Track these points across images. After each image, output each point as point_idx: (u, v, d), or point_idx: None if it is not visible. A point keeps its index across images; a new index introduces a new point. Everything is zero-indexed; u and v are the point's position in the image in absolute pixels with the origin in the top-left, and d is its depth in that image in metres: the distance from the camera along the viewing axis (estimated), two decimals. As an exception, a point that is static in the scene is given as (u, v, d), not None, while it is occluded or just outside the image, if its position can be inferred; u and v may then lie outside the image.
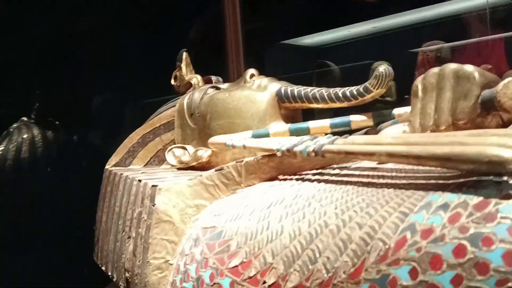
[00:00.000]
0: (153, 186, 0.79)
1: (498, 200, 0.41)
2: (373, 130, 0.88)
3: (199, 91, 1.08)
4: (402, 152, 0.50)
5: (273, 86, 0.99)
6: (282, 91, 0.97)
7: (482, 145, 0.44)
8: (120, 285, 0.88)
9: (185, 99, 1.09)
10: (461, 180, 0.46)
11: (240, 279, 0.57)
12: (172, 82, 1.22)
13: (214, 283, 0.61)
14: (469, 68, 0.56)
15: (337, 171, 0.66)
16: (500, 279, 0.37)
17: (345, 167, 0.66)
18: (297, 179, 0.69)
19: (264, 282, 0.54)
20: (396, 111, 0.86)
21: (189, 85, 1.19)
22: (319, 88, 0.94)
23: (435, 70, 0.60)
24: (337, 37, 2.36)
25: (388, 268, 0.43)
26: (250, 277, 0.56)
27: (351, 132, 0.93)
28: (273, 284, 0.53)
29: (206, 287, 0.62)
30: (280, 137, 0.89)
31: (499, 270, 0.37)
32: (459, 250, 0.40)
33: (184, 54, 1.21)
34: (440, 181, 0.48)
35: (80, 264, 1.39)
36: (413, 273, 0.42)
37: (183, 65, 1.20)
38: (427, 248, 0.42)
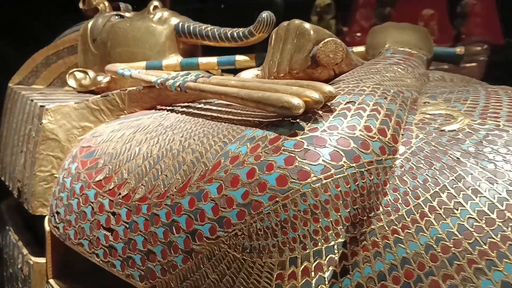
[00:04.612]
0: (41, 106, 0.85)
1: (287, 137, 0.52)
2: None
3: (103, 18, 1.11)
4: (233, 94, 0.60)
5: (173, 20, 1.05)
6: (180, 26, 1.03)
7: (285, 93, 0.54)
8: (14, 193, 0.96)
9: (89, 24, 1.12)
10: (272, 119, 0.57)
11: (102, 191, 0.67)
12: (80, 5, 1.24)
13: (83, 194, 0.71)
14: (306, 25, 0.66)
15: (201, 105, 0.75)
16: (272, 195, 0.49)
17: (209, 102, 0.75)
18: (168, 110, 0.78)
19: (120, 194, 0.65)
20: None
21: (96, 10, 1.21)
22: (213, 27, 1.01)
23: (285, 23, 0.69)
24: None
25: (204, 185, 0.55)
26: (109, 190, 0.66)
27: (236, 70, 1.03)
28: (125, 195, 0.64)
29: (77, 197, 0.72)
30: (170, 70, 0.97)
31: (272, 188, 0.49)
32: (251, 173, 0.51)
33: (93, -22, 1.22)
34: (259, 119, 0.59)
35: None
36: (219, 188, 0.53)
37: (91, -11, 1.21)
38: (231, 170, 0.53)
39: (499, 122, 0.52)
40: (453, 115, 0.54)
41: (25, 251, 0.90)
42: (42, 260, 0.85)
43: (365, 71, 0.65)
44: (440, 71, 0.85)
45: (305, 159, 0.49)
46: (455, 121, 0.53)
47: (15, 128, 0.99)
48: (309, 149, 0.50)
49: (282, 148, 0.51)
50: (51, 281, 0.81)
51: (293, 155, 0.50)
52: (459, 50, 0.88)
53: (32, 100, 0.92)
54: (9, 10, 1.70)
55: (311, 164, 0.49)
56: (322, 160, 0.49)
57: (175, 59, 1.01)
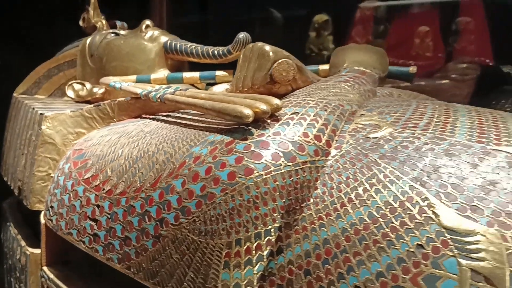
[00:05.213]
0: (40, 114, 0.97)
1: (239, 140, 0.63)
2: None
3: (100, 35, 1.23)
4: (200, 105, 0.71)
5: (163, 38, 1.17)
6: (168, 44, 1.15)
7: (240, 104, 0.65)
8: (15, 191, 1.07)
9: (87, 41, 1.24)
10: (230, 126, 0.68)
11: (89, 187, 0.78)
12: (81, 23, 1.36)
13: (73, 190, 0.82)
14: (267, 47, 0.77)
15: (179, 114, 0.86)
16: (223, 187, 0.60)
17: (186, 112, 0.86)
18: (151, 118, 0.90)
19: (104, 189, 0.76)
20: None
21: (95, 28, 1.33)
22: (197, 45, 1.12)
23: (251, 45, 0.80)
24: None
25: (172, 180, 0.66)
26: (95, 186, 0.77)
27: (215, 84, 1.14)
28: (108, 190, 0.75)
29: (68, 193, 0.83)
30: (158, 83, 1.09)
31: (224, 182, 0.60)
32: (208, 170, 0.62)
33: (92, -1, 1.34)
34: (221, 126, 0.70)
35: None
36: (183, 183, 0.64)
37: (90, 9, 1.34)
38: (193, 168, 0.64)
39: (415, 131, 0.62)
40: (380, 125, 0.65)
41: (23, 243, 1.01)
42: (38, 250, 0.96)
43: (315, 87, 0.76)
44: (390, 88, 0.95)
45: (251, 159, 0.60)
46: (380, 130, 0.64)
47: (18, 133, 1.10)
48: (255, 151, 0.61)
49: (234, 150, 0.62)
50: (45, 268, 0.92)
51: (242, 155, 0.61)
52: (412, 69, 0.99)
53: (33, 108, 1.03)
54: (16, 22, 1.83)
55: (255, 163, 0.59)
56: (265, 159, 0.60)
57: (162, 73, 1.13)
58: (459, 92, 1.80)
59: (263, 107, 0.63)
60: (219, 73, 1.08)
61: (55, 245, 0.92)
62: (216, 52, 1.08)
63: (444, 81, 1.74)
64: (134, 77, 1.11)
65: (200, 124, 0.75)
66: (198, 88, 1.16)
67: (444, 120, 0.65)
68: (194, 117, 0.80)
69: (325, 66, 1.02)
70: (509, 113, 0.72)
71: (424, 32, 1.97)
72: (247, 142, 0.62)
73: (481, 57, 1.85)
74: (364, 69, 0.90)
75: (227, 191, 0.59)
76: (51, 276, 0.89)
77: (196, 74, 1.09)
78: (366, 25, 2.22)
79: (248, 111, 0.62)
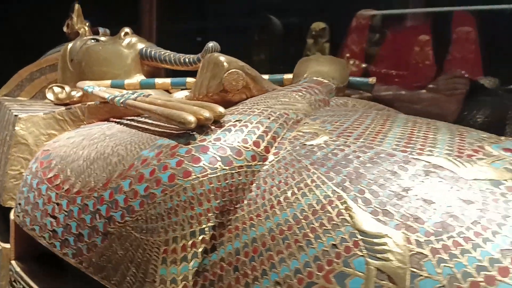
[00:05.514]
0: (15, 115, 1.01)
1: (182, 145, 0.67)
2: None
3: (80, 41, 1.28)
4: (152, 110, 0.75)
5: (139, 45, 1.22)
6: (143, 51, 1.20)
7: (187, 111, 0.69)
8: (-9, 190, 1.12)
9: (68, 46, 1.29)
10: (179, 132, 0.72)
11: (51, 185, 0.83)
12: (64, 29, 1.41)
13: (38, 188, 0.86)
14: (221, 58, 0.81)
15: (142, 119, 0.91)
16: (163, 188, 0.64)
17: (148, 116, 0.91)
18: (116, 122, 0.94)
19: (63, 188, 0.80)
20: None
21: (78, 34, 1.38)
22: (171, 52, 1.17)
23: (209, 55, 0.85)
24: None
25: (121, 181, 0.70)
26: (56, 185, 0.82)
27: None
28: (67, 189, 0.79)
29: (34, 191, 0.87)
30: (132, 88, 1.13)
31: (164, 184, 0.64)
32: (152, 172, 0.66)
33: (76, 6, 1.39)
34: (171, 131, 0.74)
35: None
36: (130, 184, 0.68)
37: (74, 16, 1.39)
38: (140, 170, 0.68)
39: (348, 140, 0.66)
40: (318, 133, 0.69)
41: (-4, 238, 1.06)
42: (8, 245, 1.00)
43: (266, 96, 0.80)
44: (345, 97, 0.99)
45: (190, 162, 0.64)
46: (317, 138, 0.68)
47: (-3, 134, 1.15)
48: (195, 155, 0.65)
49: (177, 153, 0.66)
50: (13, 262, 0.96)
51: (183, 159, 0.65)
52: (371, 80, 1.03)
53: (10, 110, 1.08)
54: (7, 27, 1.88)
55: (194, 166, 0.64)
56: (203, 163, 0.64)
57: (136, 79, 1.17)
58: (448, 105, 1.83)
59: (206, 114, 0.67)
60: (189, 79, 1.12)
61: (23, 240, 0.96)
62: (187, 59, 1.12)
63: (432, 94, 1.77)
64: (109, 82, 1.16)
65: (156, 129, 0.79)
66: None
67: (378, 130, 0.69)
68: (152, 122, 0.85)
69: (290, 76, 1.06)
70: (447, 123, 0.75)
71: (417, 43, 1.99)
72: (189, 146, 0.66)
73: (472, 71, 1.88)
74: (321, 80, 0.94)
75: (166, 192, 0.64)
76: (18, 269, 0.94)
77: (168, 80, 1.14)
78: (361, 34, 2.26)
79: (191, 118, 0.67)
